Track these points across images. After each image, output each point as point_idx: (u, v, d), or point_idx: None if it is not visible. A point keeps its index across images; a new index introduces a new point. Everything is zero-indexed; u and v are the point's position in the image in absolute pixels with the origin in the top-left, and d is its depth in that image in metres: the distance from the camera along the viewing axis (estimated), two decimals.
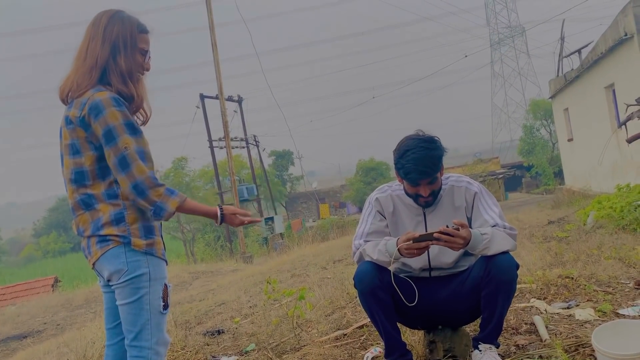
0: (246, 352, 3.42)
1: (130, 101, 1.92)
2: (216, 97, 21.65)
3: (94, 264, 1.91)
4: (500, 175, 35.74)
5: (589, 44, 14.86)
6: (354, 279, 2.42)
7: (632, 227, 6.23)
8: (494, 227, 2.36)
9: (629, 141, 8.49)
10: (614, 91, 12.71)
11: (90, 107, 1.83)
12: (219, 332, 4.16)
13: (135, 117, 2.00)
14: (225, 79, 18.82)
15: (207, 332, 4.20)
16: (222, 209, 1.99)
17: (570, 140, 17.84)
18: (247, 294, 6.64)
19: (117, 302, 1.89)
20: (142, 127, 2.00)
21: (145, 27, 2.01)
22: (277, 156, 45.07)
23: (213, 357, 3.31)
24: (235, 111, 26.08)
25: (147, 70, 2.03)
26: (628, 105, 9.56)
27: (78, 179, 1.88)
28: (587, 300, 3.27)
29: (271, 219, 27.02)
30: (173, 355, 3.23)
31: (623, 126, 10.00)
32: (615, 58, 12.02)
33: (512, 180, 40.44)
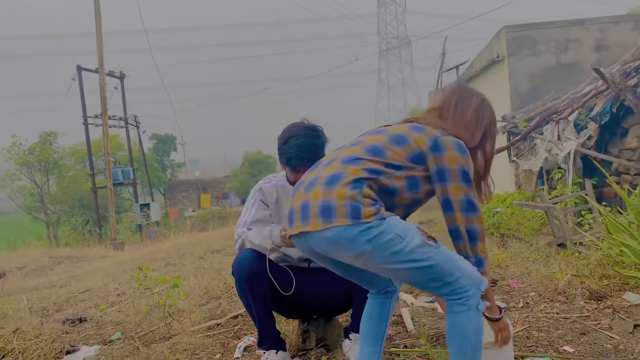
0: (110, 341, 3.21)
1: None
2: (95, 71, 20.15)
3: None
4: None
5: (466, 62, 16.14)
6: (232, 266, 2.37)
7: (490, 231, 6.90)
8: None
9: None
10: None
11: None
12: (81, 320, 3.87)
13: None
14: (108, 52, 17.59)
15: (67, 319, 3.88)
16: None
17: None
18: (116, 281, 6.28)
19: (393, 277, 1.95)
20: None
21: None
22: (159, 140, 43.11)
23: (72, 346, 3.06)
24: (115, 88, 24.40)
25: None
26: None
27: None
28: None
29: (147, 205, 25.82)
30: (24, 344, 2.93)
31: None
32: (487, 77, 13.18)
33: None
